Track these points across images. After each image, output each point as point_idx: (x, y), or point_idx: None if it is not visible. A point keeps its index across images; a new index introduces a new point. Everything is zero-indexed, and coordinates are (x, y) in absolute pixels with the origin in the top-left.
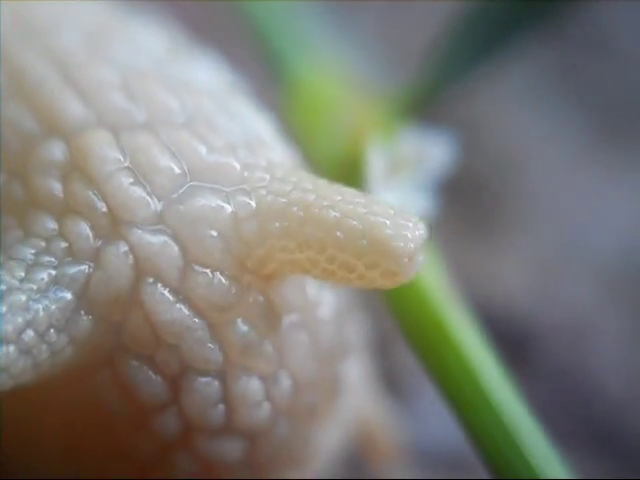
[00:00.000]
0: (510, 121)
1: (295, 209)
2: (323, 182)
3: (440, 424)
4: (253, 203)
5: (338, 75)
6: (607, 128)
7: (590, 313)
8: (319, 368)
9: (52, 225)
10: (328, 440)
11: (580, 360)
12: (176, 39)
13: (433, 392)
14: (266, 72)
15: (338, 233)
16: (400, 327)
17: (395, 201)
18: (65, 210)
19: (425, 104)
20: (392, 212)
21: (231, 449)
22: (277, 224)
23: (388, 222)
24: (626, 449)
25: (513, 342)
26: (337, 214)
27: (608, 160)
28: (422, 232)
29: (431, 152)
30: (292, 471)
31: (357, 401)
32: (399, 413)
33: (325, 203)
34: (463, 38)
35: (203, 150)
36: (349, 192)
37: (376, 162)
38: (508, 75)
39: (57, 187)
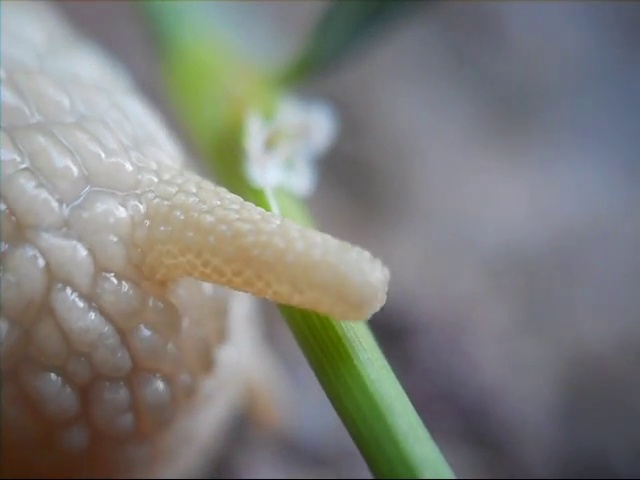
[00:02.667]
0: (403, 102)
1: (177, 213)
2: (207, 185)
3: (319, 416)
4: (143, 207)
5: (221, 47)
6: (498, 115)
7: (470, 305)
8: (217, 359)
9: None
10: (216, 415)
11: (456, 351)
12: (54, 27)
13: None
14: (148, 44)
15: (211, 238)
16: (281, 313)
17: (274, 173)
18: None
19: (309, 77)
20: (259, 218)
21: (135, 452)
22: (162, 228)
23: (248, 227)
24: (492, 441)
25: (390, 330)
26: (212, 219)
27: (497, 147)
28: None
29: (312, 126)
30: (184, 448)
31: (244, 365)
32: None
33: (204, 207)
34: (349, 10)
35: (100, 152)
36: (228, 197)
37: (255, 133)
38: (400, 57)
39: None
